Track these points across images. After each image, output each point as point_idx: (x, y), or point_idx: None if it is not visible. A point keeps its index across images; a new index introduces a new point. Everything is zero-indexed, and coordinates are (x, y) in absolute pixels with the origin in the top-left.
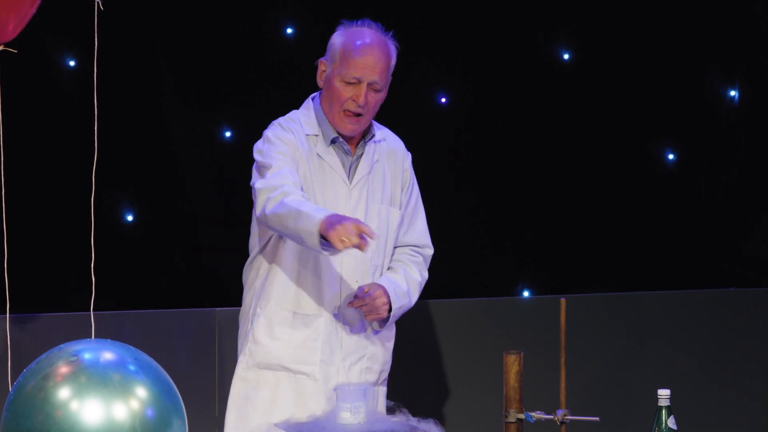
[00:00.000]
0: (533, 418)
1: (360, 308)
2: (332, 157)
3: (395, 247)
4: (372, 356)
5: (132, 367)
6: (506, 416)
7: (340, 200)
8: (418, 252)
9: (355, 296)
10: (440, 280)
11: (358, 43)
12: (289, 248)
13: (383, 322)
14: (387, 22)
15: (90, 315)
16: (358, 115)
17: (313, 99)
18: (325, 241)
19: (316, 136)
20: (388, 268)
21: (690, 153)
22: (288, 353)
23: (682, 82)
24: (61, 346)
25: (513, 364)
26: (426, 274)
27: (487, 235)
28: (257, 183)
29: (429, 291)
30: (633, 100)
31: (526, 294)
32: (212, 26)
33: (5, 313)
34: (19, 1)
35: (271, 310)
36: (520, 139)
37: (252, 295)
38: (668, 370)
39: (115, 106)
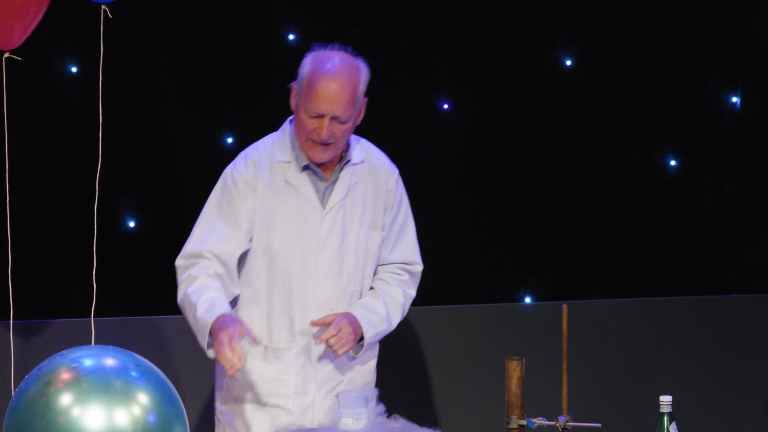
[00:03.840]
0: (535, 425)
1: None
2: (304, 184)
3: (380, 265)
4: (350, 381)
5: (134, 374)
6: (508, 422)
7: (311, 228)
8: (404, 269)
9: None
10: (442, 286)
11: (321, 74)
12: (259, 281)
13: (358, 348)
14: (390, 28)
15: (91, 321)
16: (326, 144)
17: (291, 122)
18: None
19: (288, 162)
20: (370, 288)
21: (692, 159)
22: (261, 387)
23: (684, 89)
24: (63, 352)
25: (515, 370)
26: (412, 292)
27: (489, 241)
28: (180, 255)
29: (431, 297)
30: (635, 106)
31: (528, 300)
32: (214, 33)
33: (8, 320)
34: (24, 10)
35: (244, 345)
36: (522, 145)
37: None
38: (670, 376)
39: (117, 112)
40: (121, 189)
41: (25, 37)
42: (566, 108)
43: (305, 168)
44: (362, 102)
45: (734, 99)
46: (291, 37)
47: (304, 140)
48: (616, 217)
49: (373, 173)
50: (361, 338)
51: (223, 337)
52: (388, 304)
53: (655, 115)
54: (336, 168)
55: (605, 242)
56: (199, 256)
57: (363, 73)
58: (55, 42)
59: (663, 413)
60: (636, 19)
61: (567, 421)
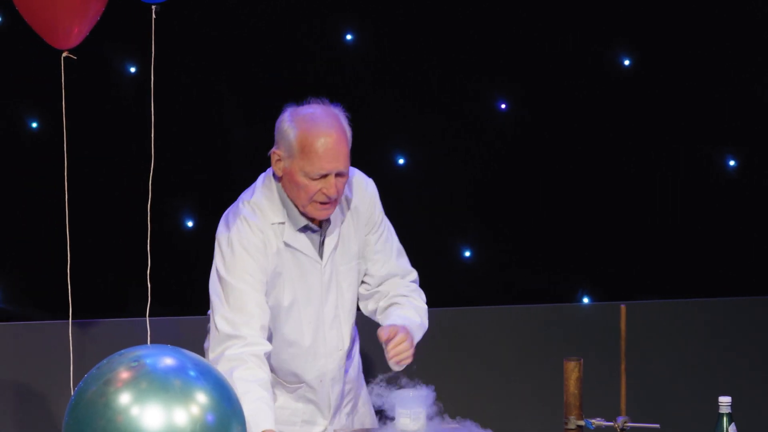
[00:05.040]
0: (593, 425)
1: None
2: (302, 242)
3: (380, 285)
4: (354, 392)
5: (192, 373)
6: (566, 423)
7: (314, 282)
8: (410, 281)
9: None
10: (500, 286)
11: (315, 134)
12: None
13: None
14: (448, 28)
15: (146, 321)
16: (331, 201)
17: (274, 178)
18: None
19: (283, 223)
20: (392, 304)
21: (751, 159)
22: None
23: (743, 88)
24: (122, 351)
25: (573, 370)
26: (424, 296)
27: (547, 241)
28: (217, 317)
29: (489, 297)
30: (694, 105)
31: (586, 300)
32: (271, 32)
33: (67, 319)
34: (83, 8)
35: None
36: (580, 144)
37: None
38: (729, 376)
39: (177, 112)
40: (181, 189)
41: (83, 37)
42: (624, 107)
43: (303, 228)
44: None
45: None
46: (349, 37)
47: (306, 203)
48: (674, 217)
49: (354, 209)
50: None
51: None
52: (418, 311)
53: (713, 115)
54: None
55: (663, 243)
56: (238, 337)
57: (344, 118)
58: (115, 41)
59: (722, 414)
60: (694, 17)
61: (625, 422)
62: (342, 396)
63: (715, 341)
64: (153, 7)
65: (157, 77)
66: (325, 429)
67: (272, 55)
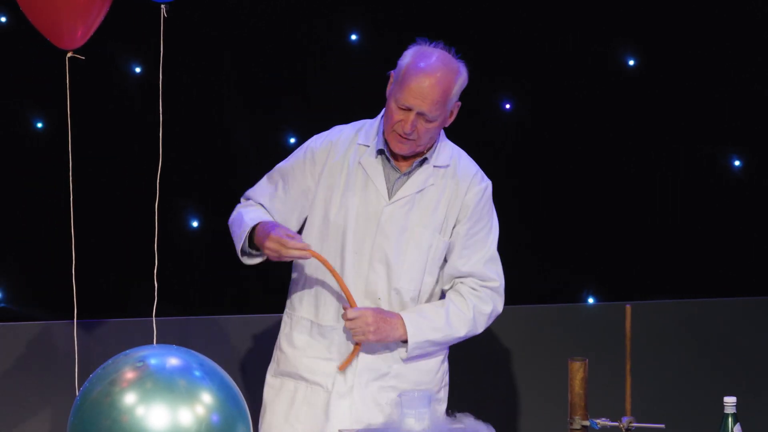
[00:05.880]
0: (598, 425)
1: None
2: (375, 169)
3: (457, 278)
4: (398, 375)
5: (197, 373)
6: (571, 423)
7: (371, 214)
8: (482, 285)
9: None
10: (505, 286)
11: (417, 69)
12: (312, 259)
13: (405, 349)
14: (451, 29)
15: (152, 321)
16: (407, 138)
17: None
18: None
19: (367, 147)
20: (443, 298)
21: (756, 159)
22: (304, 362)
23: (748, 88)
24: (127, 351)
25: (578, 370)
26: (486, 308)
27: (552, 240)
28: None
29: None
30: (699, 105)
31: (591, 300)
32: (277, 33)
33: (72, 319)
34: (87, 8)
35: (294, 318)
36: (585, 144)
37: (286, 303)
38: (734, 376)
39: (181, 113)
40: (185, 189)
41: (88, 37)
42: (629, 108)
43: (380, 152)
44: (454, 105)
45: None
46: (353, 37)
47: (389, 130)
48: (679, 217)
49: (454, 180)
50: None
51: (280, 235)
52: (450, 314)
53: (719, 115)
54: (413, 164)
55: (668, 242)
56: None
57: (460, 76)
58: (119, 41)
59: (727, 414)
60: (699, 17)
61: (630, 422)
62: (382, 362)
63: (720, 341)
64: (162, 6)
65: (164, 77)
66: (353, 386)
67: (272, 55)
